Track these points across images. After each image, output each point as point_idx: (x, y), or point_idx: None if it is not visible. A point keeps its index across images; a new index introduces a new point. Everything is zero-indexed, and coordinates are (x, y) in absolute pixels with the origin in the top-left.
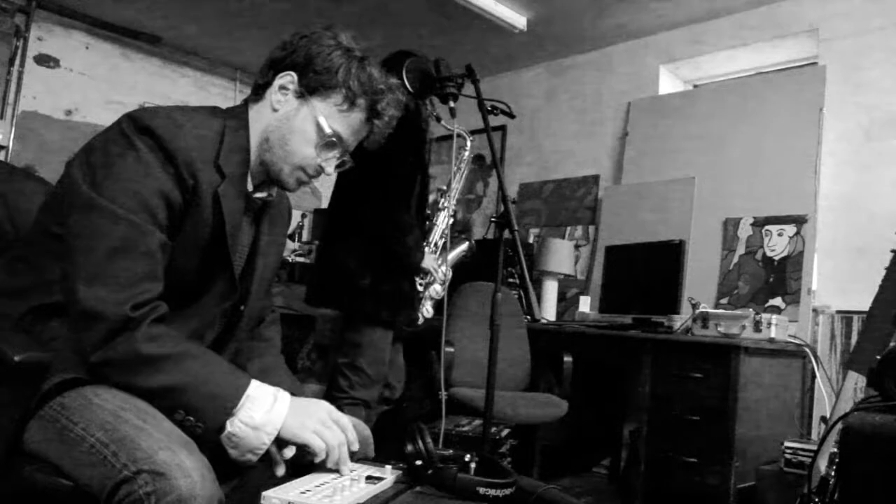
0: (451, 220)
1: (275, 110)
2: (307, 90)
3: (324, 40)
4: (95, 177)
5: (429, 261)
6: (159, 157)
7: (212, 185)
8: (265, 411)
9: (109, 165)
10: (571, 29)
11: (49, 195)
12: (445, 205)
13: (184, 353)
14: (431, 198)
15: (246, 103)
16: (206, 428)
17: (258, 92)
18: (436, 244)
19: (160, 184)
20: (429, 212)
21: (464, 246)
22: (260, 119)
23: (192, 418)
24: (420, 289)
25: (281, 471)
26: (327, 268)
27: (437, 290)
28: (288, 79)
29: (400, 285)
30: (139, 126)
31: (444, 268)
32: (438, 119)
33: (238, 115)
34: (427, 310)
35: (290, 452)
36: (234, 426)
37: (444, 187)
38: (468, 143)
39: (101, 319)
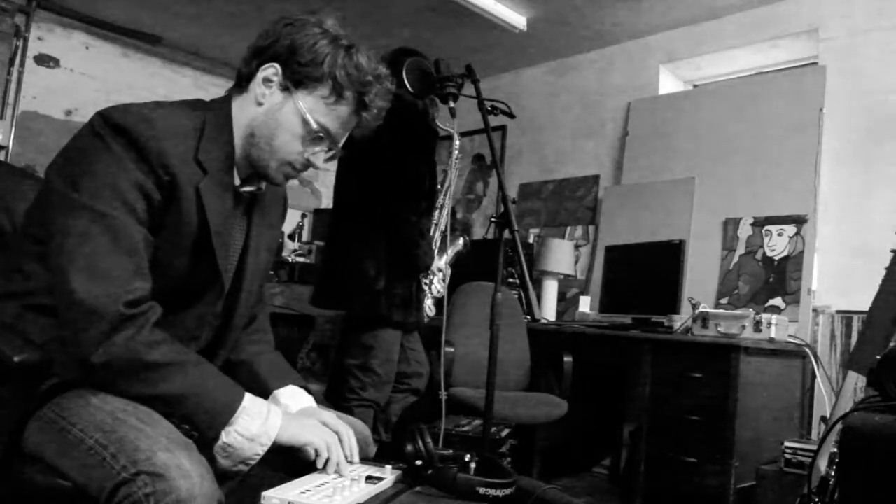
0: (449, 219)
1: (259, 104)
2: (292, 83)
3: (308, 28)
4: (73, 177)
5: (438, 262)
6: (132, 154)
7: (192, 181)
8: (260, 423)
9: (85, 164)
10: (571, 29)
11: (33, 201)
12: (442, 203)
13: (182, 363)
14: None
15: (229, 95)
16: (200, 437)
17: (241, 83)
18: (436, 243)
19: (136, 179)
20: None
21: (459, 243)
22: (244, 112)
23: (186, 427)
24: (425, 289)
25: (311, 455)
26: (338, 269)
27: (438, 288)
28: (272, 71)
29: (410, 287)
30: (110, 124)
31: (444, 266)
32: (433, 118)
33: (220, 109)
34: (430, 308)
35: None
36: (229, 436)
37: (439, 186)
38: (457, 142)
39: (98, 316)
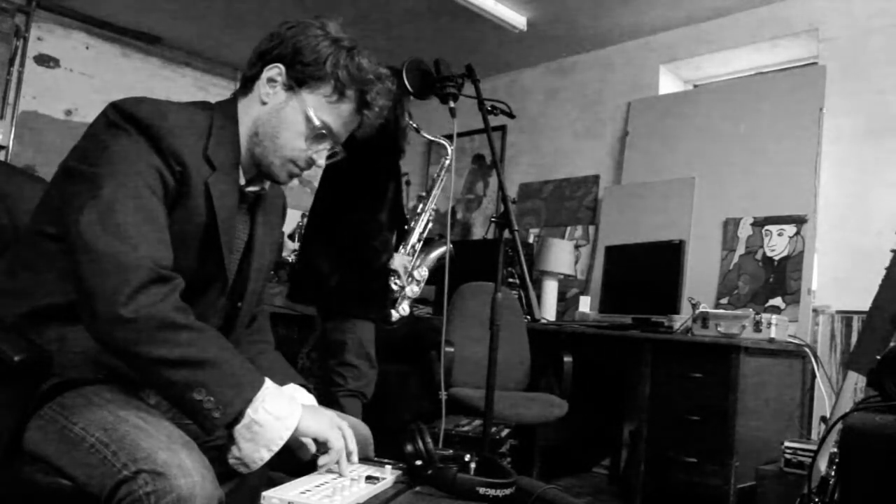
0: (431, 225)
1: (264, 103)
2: (296, 82)
3: (311, 31)
4: (92, 158)
5: (398, 261)
6: (147, 142)
7: (202, 176)
8: (287, 403)
9: (103, 148)
10: (571, 29)
11: (43, 196)
12: (423, 209)
13: (211, 332)
14: (412, 203)
15: (235, 97)
16: (224, 413)
17: (246, 85)
18: (413, 247)
19: (153, 162)
20: (408, 216)
21: (442, 249)
22: (249, 112)
23: (212, 398)
24: (395, 288)
25: (313, 448)
26: (303, 267)
27: (413, 290)
28: (276, 71)
29: (368, 284)
30: (124, 114)
31: (422, 269)
32: (418, 130)
33: (226, 110)
34: (404, 308)
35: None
36: (258, 413)
37: (424, 193)
38: (449, 151)
39: (131, 271)
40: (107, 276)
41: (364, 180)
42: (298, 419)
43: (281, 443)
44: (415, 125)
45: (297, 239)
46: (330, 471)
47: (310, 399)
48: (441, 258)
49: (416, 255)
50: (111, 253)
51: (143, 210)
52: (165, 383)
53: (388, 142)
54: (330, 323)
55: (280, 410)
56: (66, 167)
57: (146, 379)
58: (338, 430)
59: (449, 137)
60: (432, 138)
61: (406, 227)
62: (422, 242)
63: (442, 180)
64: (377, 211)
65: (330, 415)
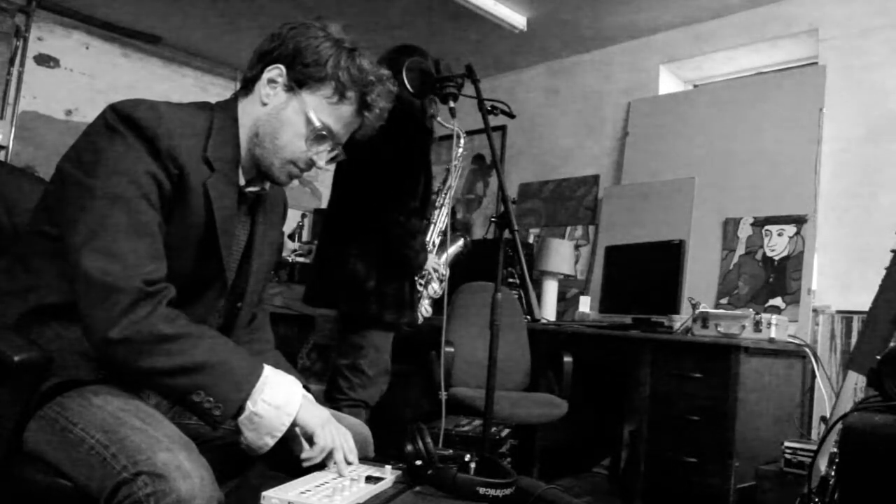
0: (448, 219)
1: (264, 104)
2: (296, 83)
3: (312, 31)
4: (87, 165)
5: (431, 262)
6: (143, 145)
7: (201, 178)
8: (286, 391)
9: (98, 153)
10: (571, 29)
11: (41, 196)
12: (442, 203)
13: (201, 334)
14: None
15: (235, 98)
16: (224, 410)
17: (247, 86)
18: (433, 243)
19: (149, 167)
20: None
21: (459, 243)
22: (249, 113)
23: (211, 399)
24: (420, 289)
25: (306, 446)
26: (331, 268)
27: (435, 288)
28: (276, 72)
29: (402, 287)
30: (122, 116)
31: (442, 267)
32: (434, 117)
33: (227, 110)
34: (426, 308)
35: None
36: (257, 405)
37: (441, 186)
38: (462, 142)
39: (117, 293)
40: (95, 298)
41: (398, 173)
42: (298, 407)
43: (283, 429)
44: (432, 112)
45: (297, 239)
46: (329, 471)
47: (309, 398)
48: (458, 254)
49: (436, 252)
50: (99, 273)
51: (135, 223)
52: (165, 390)
53: (420, 131)
54: (352, 325)
55: (279, 399)
56: (62, 169)
57: (148, 387)
58: (328, 429)
59: (449, 138)
60: (445, 124)
61: (425, 220)
62: (441, 237)
63: (458, 170)
64: (413, 208)
65: (327, 413)
